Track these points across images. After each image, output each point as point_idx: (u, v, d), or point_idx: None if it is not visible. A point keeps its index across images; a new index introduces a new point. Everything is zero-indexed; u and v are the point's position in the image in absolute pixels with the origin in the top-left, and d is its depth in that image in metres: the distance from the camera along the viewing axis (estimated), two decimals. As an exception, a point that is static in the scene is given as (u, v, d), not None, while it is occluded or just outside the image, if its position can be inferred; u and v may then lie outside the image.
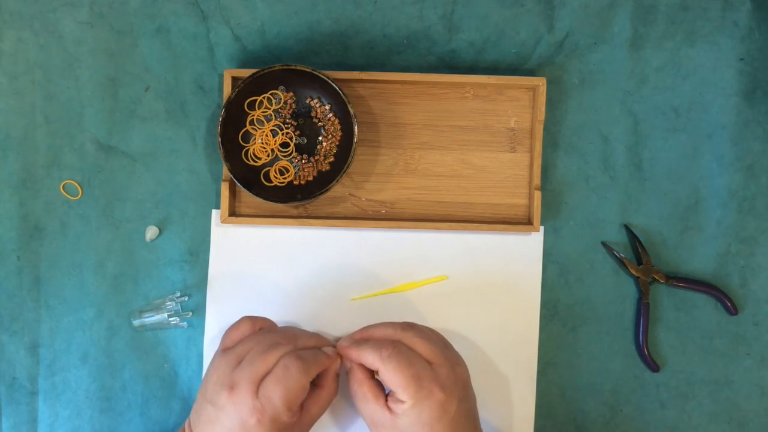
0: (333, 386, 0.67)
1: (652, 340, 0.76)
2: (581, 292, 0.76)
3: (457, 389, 0.63)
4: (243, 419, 0.60)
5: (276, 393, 0.60)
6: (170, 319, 0.73)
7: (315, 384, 0.66)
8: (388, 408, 0.63)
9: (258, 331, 0.67)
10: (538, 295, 0.76)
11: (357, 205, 0.76)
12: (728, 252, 0.76)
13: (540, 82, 0.74)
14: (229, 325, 0.68)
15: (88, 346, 0.75)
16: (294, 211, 0.76)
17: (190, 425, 0.65)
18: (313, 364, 0.63)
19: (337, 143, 0.75)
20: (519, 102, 0.76)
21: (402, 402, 0.62)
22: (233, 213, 0.75)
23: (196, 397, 0.66)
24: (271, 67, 0.71)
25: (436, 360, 0.64)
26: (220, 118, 0.71)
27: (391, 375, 0.62)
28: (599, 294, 0.76)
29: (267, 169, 0.75)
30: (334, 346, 0.68)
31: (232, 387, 0.61)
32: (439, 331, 0.68)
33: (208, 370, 0.65)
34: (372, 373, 0.66)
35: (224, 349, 0.66)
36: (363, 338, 0.67)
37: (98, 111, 0.76)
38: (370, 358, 0.63)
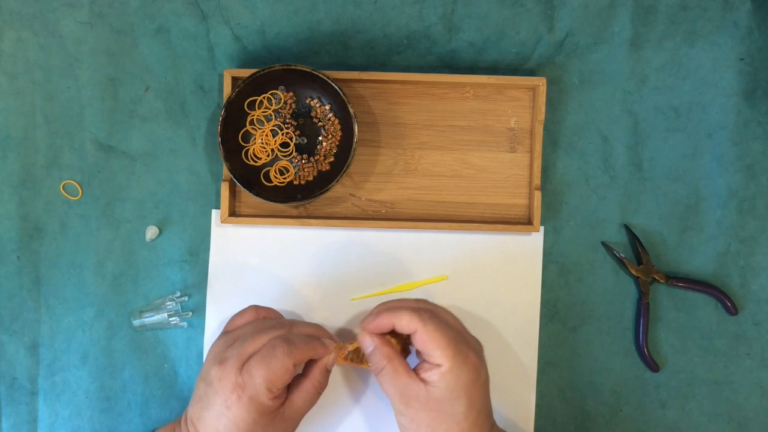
0: (320, 379, 0.65)
1: (652, 340, 0.76)
2: (581, 292, 0.76)
3: (483, 355, 0.65)
4: (225, 395, 0.61)
5: (258, 371, 0.61)
6: (170, 319, 0.73)
7: (303, 374, 0.66)
8: (422, 379, 0.62)
9: (261, 319, 0.68)
10: (538, 295, 0.76)
11: (357, 205, 0.76)
12: (728, 252, 0.76)
13: (540, 82, 0.74)
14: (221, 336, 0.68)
15: (88, 346, 0.75)
16: (294, 211, 0.76)
17: (186, 409, 0.66)
18: (301, 348, 0.63)
19: (337, 143, 0.75)
20: (519, 102, 0.76)
21: (438, 366, 0.61)
22: (233, 213, 0.75)
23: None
24: (271, 67, 0.71)
25: (461, 328, 0.65)
26: (220, 118, 0.71)
27: (431, 336, 0.61)
28: (599, 294, 0.76)
29: (267, 169, 0.75)
30: (334, 339, 0.67)
31: (221, 362, 0.62)
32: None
33: (208, 352, 0.67)
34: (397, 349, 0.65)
35: (225, 332, 0.67)
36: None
37: (98, 111, 0.76)
38: (406, 319, 0.63)
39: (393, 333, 0.66)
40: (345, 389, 0.74)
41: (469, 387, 0.62)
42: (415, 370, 0.64)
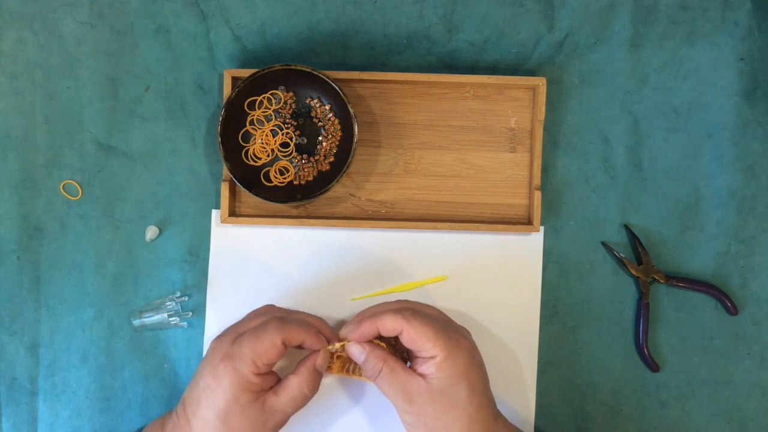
0: (307, 377, 0.64)
1: (652, 340, 0.76)
2: (581, 292, 0.76)
3: (473, 339, 0.67)
4: (215, 364, 0.62)
5: (246, 342, 0.62)
6: (170, 319, 0.73)
7: (292, 373, 0.65)
8: (420, 374, 0.63)
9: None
10: (538, 295, 0.76)
11: (357, 205, 0.76)
12: (728, 252, 0.76)
13: (540, 82, 0.74)
14: (229, 325, 0.68)
15: (88, 346, 0.75)
16: (294, 211, 0.76)
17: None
18: (293, 327, 0.63)
19: (337, 143, 0.75)
20: (519, 102, 0.76)
21: (433, 358, 0.62)
22: (233, 213, 0.75)
23: None
24: (271, 67, 0.71)
25: (445, 318, 0.67)
26: (220, 118, 0.71)
27: (418, 331, 0.62)
28: (599, 294, 0.76)
29: (267, 169, 0.75)
30: (332, 336, 0.67)
31: (219, 336, 0.66)
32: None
33: None
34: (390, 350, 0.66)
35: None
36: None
37: (98, 111, 0.76)
38: (390, 321, 0.63)
39: (380, 338, 0.66)
40: (338, 398, 0.74)
41: (467, 371, 0.62)
42: (411, 368, 0.64)
